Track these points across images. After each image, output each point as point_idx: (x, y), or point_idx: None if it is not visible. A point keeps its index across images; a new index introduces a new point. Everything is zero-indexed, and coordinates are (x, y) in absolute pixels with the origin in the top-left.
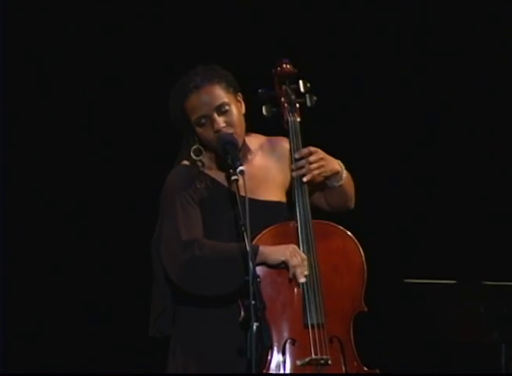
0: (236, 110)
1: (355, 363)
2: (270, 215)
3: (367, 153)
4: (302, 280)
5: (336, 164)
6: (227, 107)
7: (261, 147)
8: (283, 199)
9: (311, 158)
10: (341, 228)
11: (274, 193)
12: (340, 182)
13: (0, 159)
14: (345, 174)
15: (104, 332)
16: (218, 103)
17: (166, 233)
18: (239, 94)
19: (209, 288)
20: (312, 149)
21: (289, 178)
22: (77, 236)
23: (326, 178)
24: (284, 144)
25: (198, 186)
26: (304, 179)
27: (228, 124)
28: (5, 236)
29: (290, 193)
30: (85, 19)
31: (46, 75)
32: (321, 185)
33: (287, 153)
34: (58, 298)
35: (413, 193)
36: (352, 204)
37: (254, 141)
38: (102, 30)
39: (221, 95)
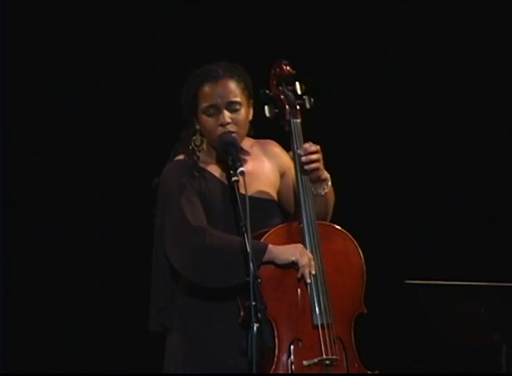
0: (245, 113)
1: (356, 364)
2: (263, 212)
3: (367, 153)
4: (309, 280)
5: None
6: (238, 107)
7: (252, 148)
8: (275, 197)
9: (314, 151)
10: (342, 229)
11: (266, 191)
12: (326, 190)
13: (0, 159)
14: (330, 183)
15: (104, 330)
16: (231, 99)
17: (171, 221)
18: (251, 101)
19: (218, 279)
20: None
21: (279, 179)
22: (75, 233)
23: (313, 183)
24: (274, 147)
25: (196, 175)
26: (313, 165)
27: (234, 122)
28: (5, 236)
29: (294, 194)
30: (83, 18)
31: (46, 75)
32: None
33: (277, 155)
34: (57, 297)
35: (413, 193)
36: (329, 219)
37: (246, 143)
38: (100, 31)
39: (236, 93)
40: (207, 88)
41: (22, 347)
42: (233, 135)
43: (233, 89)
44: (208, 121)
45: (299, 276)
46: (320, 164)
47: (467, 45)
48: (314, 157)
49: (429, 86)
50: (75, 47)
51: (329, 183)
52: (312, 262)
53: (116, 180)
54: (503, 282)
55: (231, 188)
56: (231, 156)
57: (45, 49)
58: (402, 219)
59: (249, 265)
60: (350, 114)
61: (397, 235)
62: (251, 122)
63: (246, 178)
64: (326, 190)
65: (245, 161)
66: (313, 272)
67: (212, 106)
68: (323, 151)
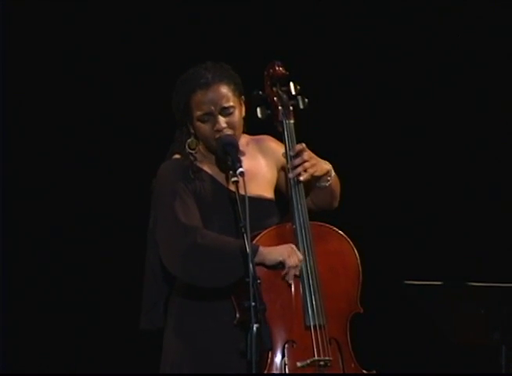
0: (239, 113)
1: (353, 365)
2: (261, 211)
3: (365, 153)
4: (291, 280)
5: (325, 164)
6: (232, 110)
7: (247, 145)
8: (272, 196)
9: (305, 156)
10: (337, 230)
11: (264, 190)
12: (330, 182)
13: (0, 159)
14: (333, 173)
15: (103, 330)
16: (224, 104)
17: (164, 220)
18: (243, 97)
19: (207, 279)
20: (304, 146)
21: (276, 175)
22: (74, 234)
23: (316, 178)
24: (269, 143)
25: (192, 177)
26: (301, 178)
27: (230, 125)
28: (5, 235)
29: (286, 194)
30: (83, 18)
31: (46, 75)
32: (308, 185)
33: (273, 150)
34: (57, 297)
35: (413, 193)
36: (337, 203)
37: (241, 140)
38: (98, 31)
39: (228, 96)
40: (198, 96)
41: (22, 347)
42: (232, 136)
43: (225, 94)
44: (203, 127)
45: (282, 275)
46: (308, 164)
47: (467, 44)
48: (298, 161)
49: (428, 86)
50: (75, 47)
51: (333, 173)
52: (300, 264)
53: (115, 180)
54: (503, 282)
55: (228, 188)
56: (230, 156)
57: (45, 49)
58: (401, 219)
59: (241, 265)
60: (347, 114)
61: (396, 235)
62: (244, 118)
63: (244, 178)
64: (330, 182)
65: (241, 160)
66: (297, 273)
67: (206, 114)
68: (317, 150)
